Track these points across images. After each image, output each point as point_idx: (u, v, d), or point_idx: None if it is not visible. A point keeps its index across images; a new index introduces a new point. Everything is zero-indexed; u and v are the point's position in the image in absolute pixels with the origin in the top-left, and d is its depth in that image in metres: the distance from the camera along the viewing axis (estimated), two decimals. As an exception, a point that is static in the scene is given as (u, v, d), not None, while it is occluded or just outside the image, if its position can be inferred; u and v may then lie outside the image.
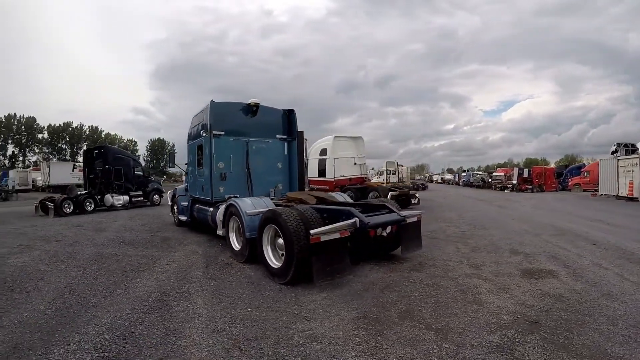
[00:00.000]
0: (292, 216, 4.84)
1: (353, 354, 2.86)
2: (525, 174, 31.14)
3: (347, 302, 4.07)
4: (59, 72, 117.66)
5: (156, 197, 18.76)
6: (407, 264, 5.75)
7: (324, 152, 17.72)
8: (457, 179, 51.74)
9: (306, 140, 19.03)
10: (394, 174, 37.37)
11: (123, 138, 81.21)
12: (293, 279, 4.67)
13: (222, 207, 6.95)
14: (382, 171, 38.37)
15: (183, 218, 9.94)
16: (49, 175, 29.83)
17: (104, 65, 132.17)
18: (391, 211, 5.70)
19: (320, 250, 4.40)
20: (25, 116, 67.56)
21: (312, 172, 17.98)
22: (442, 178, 63.41)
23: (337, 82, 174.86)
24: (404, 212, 5.84)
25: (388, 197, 14.47)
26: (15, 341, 3.13)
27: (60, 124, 71.96)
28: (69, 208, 14.36)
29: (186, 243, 7.96)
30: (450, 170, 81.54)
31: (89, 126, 75.85)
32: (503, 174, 37.58)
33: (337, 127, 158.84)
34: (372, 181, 36.08)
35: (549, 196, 23.45)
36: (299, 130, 9.39)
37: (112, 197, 16.16)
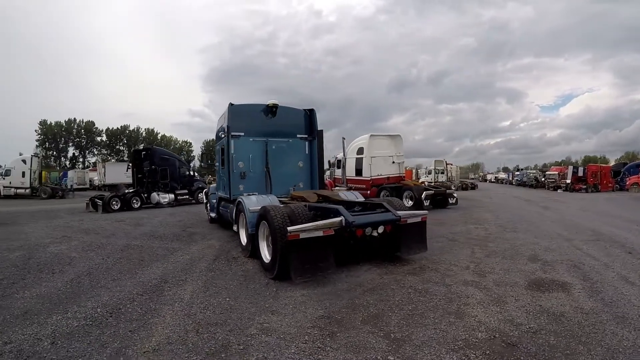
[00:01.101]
0: (280, 213, 5.12)
1: (293, 350, 3.02)
2: (580, 173, 30.32)
3: (321, 301, 4.19)
4: (117, 78, 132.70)
5: (201, 195, 20.44)
6: (408, 267, 5.65)
7: (360, 150, 17.89)
8: (510, 178, 51.56)
9: (344, 139, 19.45)
10: (442, 172, 36.46)
11: (178, 139, 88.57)
12: (278, 274, 4.95)
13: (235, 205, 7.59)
14: (431, 170, 37.63)
15: (212, 215, 10.86)
16: (105, 175, 33.95)
17: (159, 71, 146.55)
18: (387, 211, 5.67)
19: (299, 247, 4.57)
20: (84, 120, 77.15)
21: (350, 171, 18.29)
22: (495, 177, 63.18)
23: (389, 80, 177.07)
24: (402, 212, 5.75)
25: (422, 196, 14.21)
26: (28, 308, 3.99)
27: (117, 127, 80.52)
28: (117, 205, 16.34)
29: (209, 238, 8.75)
30: (505, 169, 79.99)
31: (145, 129, 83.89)
32: (557, 172, 36.29)
33: (390, 126, 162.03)
34: (420, 180, 35.85)
35: (602, 197, 22.55)
36: (319, 129, 9.69)
37: (158, 195, 18.06)
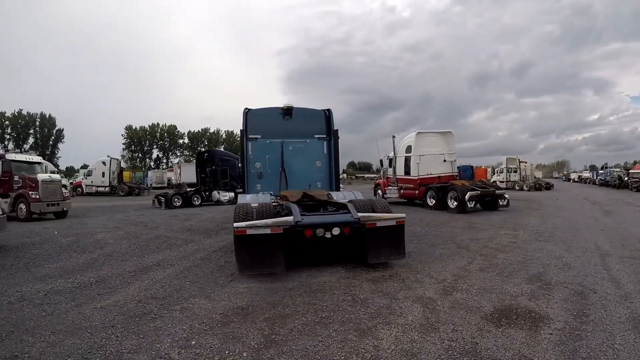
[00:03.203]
0: (243, 210, 5.74)
1: (185, 327, 3.70)
2: (669, 171, 24.14)
3: (256, 295, 4.70)
4: (197, 83, 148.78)
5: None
6: (377, 273, 5.63)
7: (409, 149, 17.94)
8: (594, 178, 48.46)
9: (394, 137, 19.67)
10: (515, 171, 33.87)
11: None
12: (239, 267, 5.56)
13: None
14: (502, 169, 35.22)
15: None
16: (180, 175, 39.22)
17: (238, 75, 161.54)
18: (347, 212, 5.73)
19: (246, 242, 5.13)
20: (167, 125, 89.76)
21: (401, 170, 18.49)
22: (579, 176, 59.29)
23: (469, 74, 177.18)
24: (369, 215, 5.75)
25: (466, 197, 13.76)
26: (46, 274, 5.74)
27: (199, 130, 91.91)
28: (178, 202, 19.19)
29: (231, 233, 10.12)
30: (592, 167, 74.06)
31: (225, 131, 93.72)
32: (642, 171, 30.37)
33: (471, 122, 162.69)
34: (492, 180, 34.31)
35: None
36: (335, 128, 10.14)
37: (219, 193, 20.59)
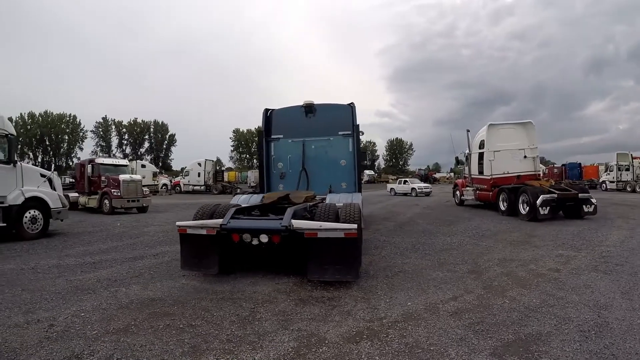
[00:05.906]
0: (202, 210, 6.19)
1: (91, 304, 4.47)
2: None
3: (180, 291, 5.04)
4: (302, 86, 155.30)
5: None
6: (316, 292, 5.03)
7: (482, 144, 16.27)
8: None
9: (469, 131, 18.35)
10: (627, 169, 29.65)
11: (362, 140, 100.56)
12: None
13: None
14: (613, 166, 30.78)
15: None
16: (273, 174, 42.58)
17: (342, 76, 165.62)
18: (281, 218, 5.32)
19: (186, 240, 5.52)
20: None
21: (474, 168, 17.01)
22: None
23: (583, 60, 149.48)
24: (302, 222, 5.25)
25: (538, 202, 11.76)
26: (69, 254, 7.47)
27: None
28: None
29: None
30: None
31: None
32: None
33: (589, 115, 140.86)
34: (601, 179, 31.40)
35: None
36: (357, 124, 9.79)
37: (291, 192, 22.11)
